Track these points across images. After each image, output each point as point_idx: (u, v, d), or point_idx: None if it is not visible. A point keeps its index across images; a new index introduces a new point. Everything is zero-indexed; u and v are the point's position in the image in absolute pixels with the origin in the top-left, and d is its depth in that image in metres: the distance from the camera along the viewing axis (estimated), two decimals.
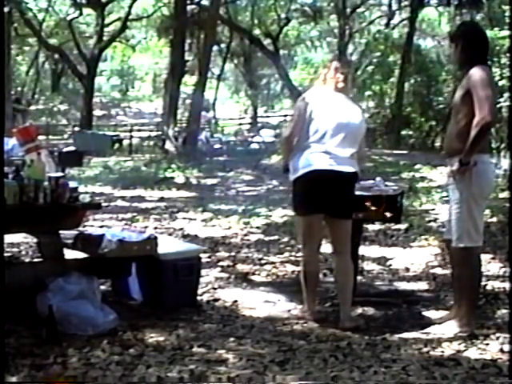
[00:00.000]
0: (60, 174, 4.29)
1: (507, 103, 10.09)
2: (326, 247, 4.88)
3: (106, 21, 28.53)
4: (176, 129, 19.25)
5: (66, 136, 25.58)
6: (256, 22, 28.90)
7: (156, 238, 4.46)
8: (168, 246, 4.64)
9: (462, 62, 4.12)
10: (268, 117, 34.88)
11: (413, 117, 22.31)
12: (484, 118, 3.80)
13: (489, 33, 12.85)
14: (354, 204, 4.35)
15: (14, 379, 3.12)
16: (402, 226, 7.36)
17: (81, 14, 29.53)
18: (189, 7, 22.19)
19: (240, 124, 31.91)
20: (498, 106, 10.05)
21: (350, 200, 4.30)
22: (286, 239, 7.14)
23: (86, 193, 4.69)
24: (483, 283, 5.09)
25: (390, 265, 6.04)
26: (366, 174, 4.53)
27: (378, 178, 4.98)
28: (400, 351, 3.69)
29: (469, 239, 4.01)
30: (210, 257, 6.08)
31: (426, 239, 6.86)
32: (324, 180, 4.15)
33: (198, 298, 4.72)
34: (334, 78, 4.28)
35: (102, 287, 4.51)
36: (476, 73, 3.92)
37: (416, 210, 8.81)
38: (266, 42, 27.37)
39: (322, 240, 4.48)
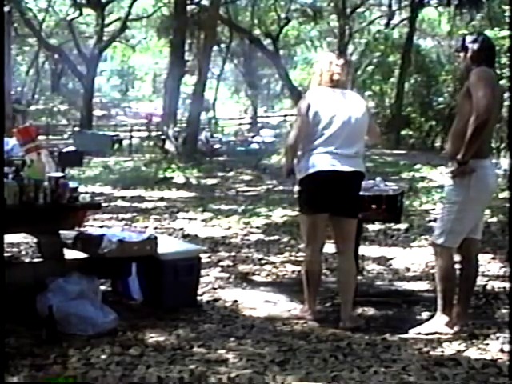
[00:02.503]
0: (60, 174, 4.30)
1: (507, 103, 10.08)
2: (327, 247, 4.87)
3: (106, 21, 28.56)
4: (176, 129, 19.25)
5: (66, 136, 25.61)
6: (256, 21, 28.91)
7: (156, 238, 4.45)
8: (168, 246, 4.64)
9: (469, 71, 4.08)
10: (268, 117, 34.94)
11: (413, 117, 22.32)
12: (479, 116, 3.79)
13: (489, 33, 12.88)
14: (359, 203, 4.35)
15: (14, 379, 3.12)
16: (402, 226, 7.37)
17: (81, 14, 29.57)
18: (189, 7, 22.20)
19: (240, 124, 31.94)
20: None
21: (356, 200, 4.30)
22: (286, 239, 7.14)
23: (86, 193, 4.68)
24: (483, 283, 5.10)
25: (390, 265, 6.04)
26: (366, 174, 4.52)
27: (378, 178, 4.98)
28: (400, 351, 3.69)
29: (448, 239, 4.04)
30: (210, 257, 6.08)
31: (426, 239, 6.85)
32: (329, 180, 4.16)
33: (198, 298, 4.71)
34: (330, 70, 4.27)
35: (102, 287, 4.51)
36: (476, 73, 3.91)
37: (416, 210, 8.81)
38: (266, 42, 27.37)
39: (325, 240, 4.48)
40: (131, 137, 22.16)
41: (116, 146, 20.28)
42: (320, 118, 4.18)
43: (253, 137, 23.56)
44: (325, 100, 4.23)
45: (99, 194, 10.52)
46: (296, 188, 4.39)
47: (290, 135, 4.42)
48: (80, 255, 4.32)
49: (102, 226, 7.00)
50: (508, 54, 11.06)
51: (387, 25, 27.36)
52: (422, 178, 12.57)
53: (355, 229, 4.34)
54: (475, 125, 3.80)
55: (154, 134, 22.93)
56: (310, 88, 4.41)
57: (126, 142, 21.43)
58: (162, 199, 10.56)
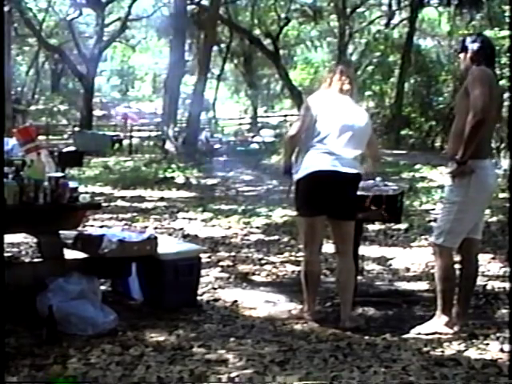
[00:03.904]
0: (60, 174, 4.30)
1: (507, 103, 10.09)
2: (327, 247, 4.87)
3: (106, 21, 28.57)
4: (176, 129, 19.23)
5: (65, 136, 25.61)
6: (256, 21, 28.89)
7: (156, 238, 4.45)
8: (168, 246, 4.64)
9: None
10: (268, 117, 34.88)
11: (413, 117, 22.32)
12: (476, 115, 3.78)
13: (489, 33, 12.90)
14: (356, 205, 4.35)
15: (14, 379, 3.12)
16: (402, 226, 7.37)
17: (81, 14, 29.58)
18: (189, 7, 22.19)
19: (240, 124, 31.91)
20: None
21: (353, 201, 4.30)
22: (285, 239, 7.14)
23: (86, 193, 4.69)
24: (483, 283, 5.10)
25: (390, 265, 6.04)
26: (366, 174, 4.52)
27: (378, 178, 4.97)
28: (400, 351, 3.69)
29: (448, 239, 4.03)
30: (210, 257, 6.08)
31: (426, 239, 6.85)
32: (327, 181, 4.15)
33: (198, 298, 4.72)
34: (340, 80, 4.30)
35: (102, 287, 4.51)
36: (473, 72, 3.92)
37: (416, 210, 8.82)
38: (266, 42, 27.35)
39: (323, 240, 4.48)
40: (131, 137, 22.13)
41: (116, 145, 20.27)
42: (322, 117, 4.18)
43: (253, 137, 23.55)
44: (329, 101, 4.26)
45: (99, 194, 10.52)
46: (293, 188, 4.37)
47: (290, 129, 4.45)
48: (80, 255, 4.32)
49: (102, 226, 7.01)
50: (508, 54, 11.06)
51: (387, 25, 27.31)
52: (422, 178, 12.57)
53: (353, 230, 4.33)
54: (472, 123, 3.79)
55: (128, 134, 22.79)
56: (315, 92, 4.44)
57: (126, 142, 21.41)
58: (162, 199, 10.56)
